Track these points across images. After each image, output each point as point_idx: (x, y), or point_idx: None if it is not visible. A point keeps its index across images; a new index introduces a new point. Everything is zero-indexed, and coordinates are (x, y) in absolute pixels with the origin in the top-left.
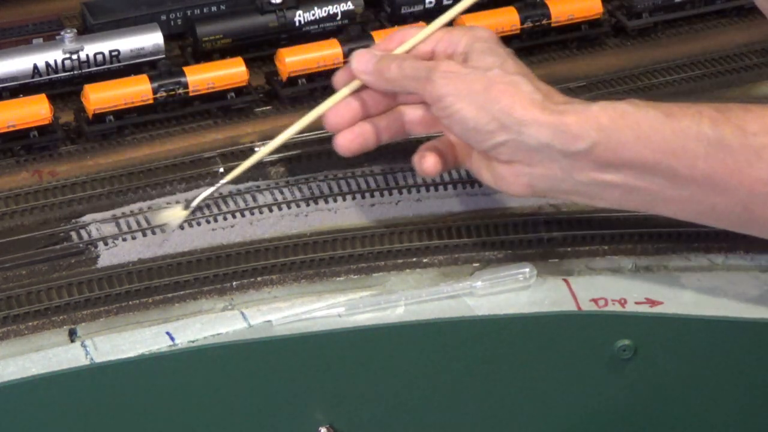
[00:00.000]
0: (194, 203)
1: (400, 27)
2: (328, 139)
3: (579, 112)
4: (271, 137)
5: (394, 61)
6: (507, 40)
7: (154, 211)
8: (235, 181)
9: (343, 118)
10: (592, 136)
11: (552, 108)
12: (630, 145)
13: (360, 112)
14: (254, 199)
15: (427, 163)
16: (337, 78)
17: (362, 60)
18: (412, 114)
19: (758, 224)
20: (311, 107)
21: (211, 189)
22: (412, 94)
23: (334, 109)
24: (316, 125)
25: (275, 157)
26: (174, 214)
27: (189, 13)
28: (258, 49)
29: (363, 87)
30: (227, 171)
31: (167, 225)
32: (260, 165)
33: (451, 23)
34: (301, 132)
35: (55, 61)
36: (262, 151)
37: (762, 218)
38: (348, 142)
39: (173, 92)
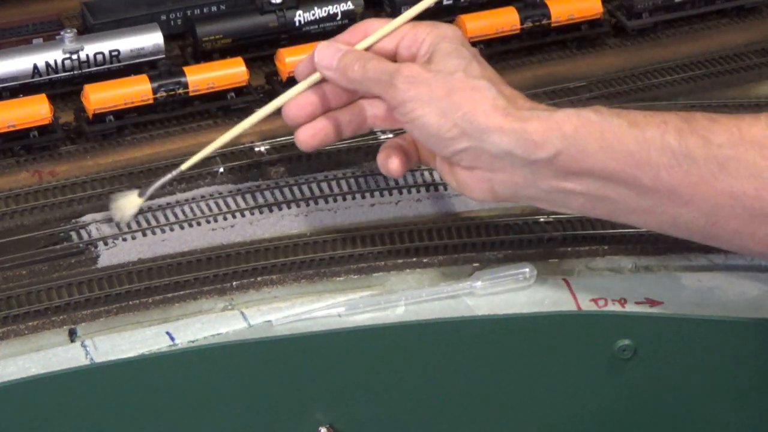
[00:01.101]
0: (149, 191)
1: (366, 19)
2: None
3: (543, 120)
4: (271, 137)
5: (358, 61)
6: (507, 40)
7: (111, 202)
8: (235, 181)
9: (303, 111)
10: (555, 145)
11: (515, 114)
12: (593, 155)
13: (321, 105)
14: (254, 199)
15: (393, 164)
16: (300, 69)
17: (326, 54)
18: (375, 109)
19: (722, 237)
20: None
21: (168, 176)
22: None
23: (294, 102)
24: None
25: (275, 156)
26: (129, 201)
27: (189, 13)
28: (258, 49)
29: (324, 79)
30: (226, 170)
31: (122, 215)
32: (260, 165)
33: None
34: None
35: (55, 61)
36: (216, 143)
37: (726, 231)
38: (309, 137)
39: (173, 92)
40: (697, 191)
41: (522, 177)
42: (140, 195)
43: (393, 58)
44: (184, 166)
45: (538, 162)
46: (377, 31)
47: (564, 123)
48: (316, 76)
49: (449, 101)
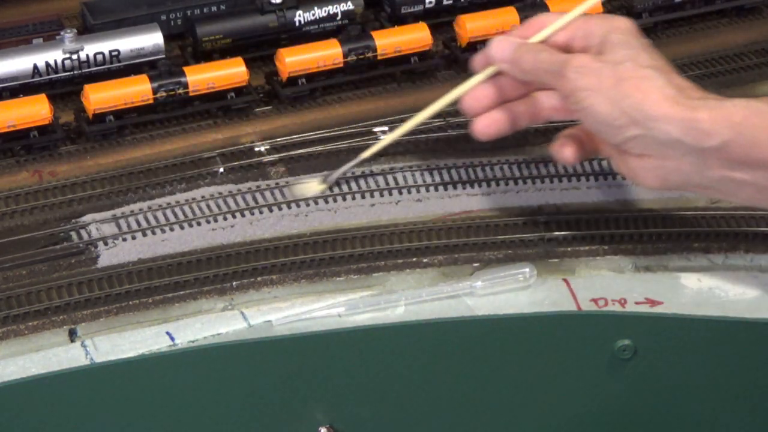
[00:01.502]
0: (332, 178)
1: (540, 14)
2: (328, 140)
3: (712, 109)
4: (271, 137)
5: (530, 52)
6: None
7: (291, 185)
8: (235, 181)
9: (480, 103)
10: (725, 134)
11: (684, 103)
12: (763, 145)
13: (497, 97)
14: (254, 199)
15: (566, 152)
16: (476, 62)
17: (500, 47)
18: (550, 101)
19: None
20: (311, 107)
21: (351, 164)
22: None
23: (472, 93)
24: (315, 125)
25: (275, 157)
26: (311, 187)
27: (189, 13)
28: (258, 49)
29: (500, 72)
30: (226, 170)
31: (304, 196)
32: (260, 165)
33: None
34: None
35: (55, 61)
36: (398, 132)
37: None
38: (485, 127)
39: (173, 92)
40: None
41: (691, 165)
42: (323, 182)
43: (566, 51)
44: (365, 154)
45: (707, 150)
46: (550, 25)
47: (734, 113)
48: (491, 69)
49: (618, 90)
